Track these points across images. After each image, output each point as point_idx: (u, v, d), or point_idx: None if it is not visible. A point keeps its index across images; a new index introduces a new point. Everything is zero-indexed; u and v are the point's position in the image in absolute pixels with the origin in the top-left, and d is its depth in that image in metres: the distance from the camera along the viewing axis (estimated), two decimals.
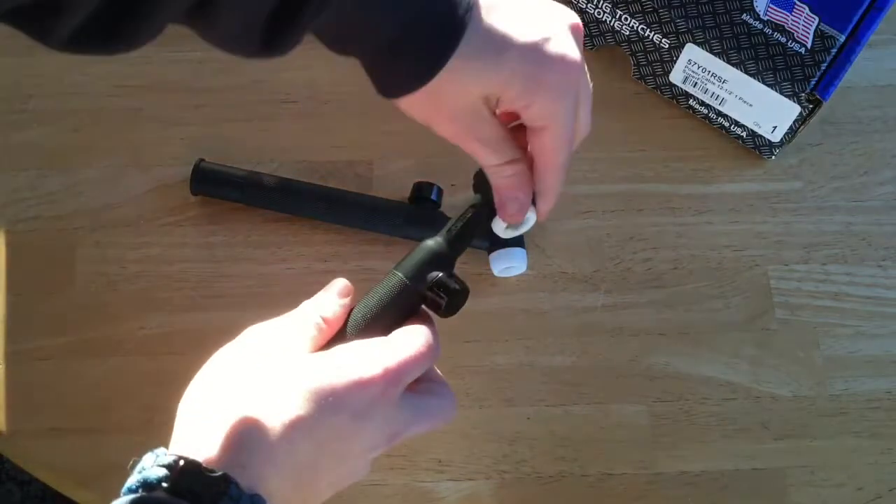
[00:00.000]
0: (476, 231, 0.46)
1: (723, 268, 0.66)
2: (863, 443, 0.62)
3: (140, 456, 0.36)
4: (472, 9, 0.39)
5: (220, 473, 0.34)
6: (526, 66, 0.40)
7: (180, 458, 0.34)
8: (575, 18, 0.43)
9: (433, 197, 0.65)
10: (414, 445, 0.61)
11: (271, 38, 0.38)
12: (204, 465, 0.34)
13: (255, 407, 0.36)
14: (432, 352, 0.41)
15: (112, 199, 0.67)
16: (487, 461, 0.61)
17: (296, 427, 0.36)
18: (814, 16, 0.63)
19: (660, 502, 0.60)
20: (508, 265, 0.64)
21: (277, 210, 0.66)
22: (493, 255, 0.64)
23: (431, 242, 0.44)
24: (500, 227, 0.64)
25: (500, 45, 0.40)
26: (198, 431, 0.36)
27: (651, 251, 0.67)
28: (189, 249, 0.66)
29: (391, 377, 0.38)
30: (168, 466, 0.34)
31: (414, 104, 0.42)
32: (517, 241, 0.64)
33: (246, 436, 0.35)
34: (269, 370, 0.38)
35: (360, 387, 0.37)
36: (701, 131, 0.70)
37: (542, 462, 0.61)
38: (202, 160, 0.67)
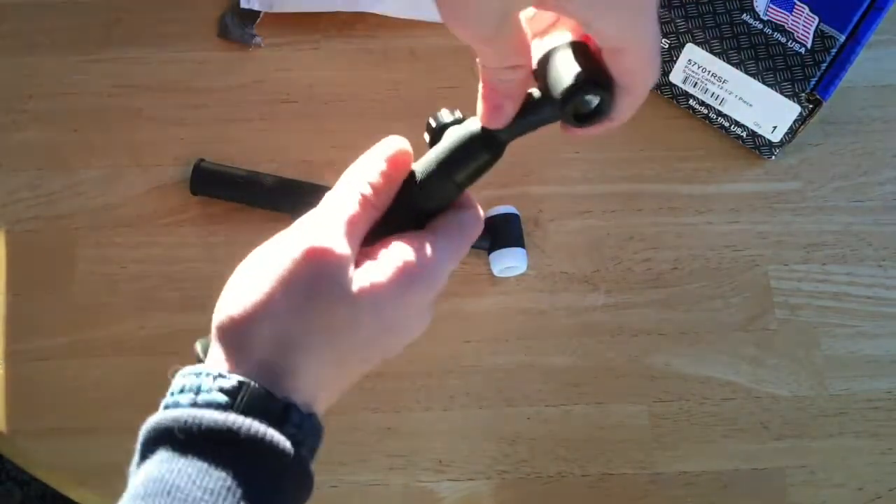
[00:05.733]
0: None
1: (723, 268, 0.66)
2: (863, 443, 0.62)
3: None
4: None
5: (281, 400, 0.33)
6: None
7: (242, 382, 0.33)
8: None
9: None
10: (414, 445, 0.61)
11: None
12: (264, 388, 0.33)
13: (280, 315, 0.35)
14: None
15: (112, 199, 0.67)
16: (487, 461, 0.61)
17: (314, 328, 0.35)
18: (814, 16, 0.63)
19: (660, 502, 0.60)
20: (508, 265, 0.64)
21: (277, 210, 0.66)
22: (493, 255, 0.64)
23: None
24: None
25: None
26: (229, 347, 0.35)
27: (651, 251, 0.67)
28: (189, 249, 0.66)
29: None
30: (229, 392, 0.33)
31: None
32: (517, 242, 0.64)
33: (281, 348, 0.34)
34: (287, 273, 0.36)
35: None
36: (701, 131, 0.70)
37: (542, 462, 0.61)
38: (202, 160, 0.67)
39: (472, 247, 0.65)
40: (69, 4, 0.73)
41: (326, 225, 0.36)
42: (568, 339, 0.64)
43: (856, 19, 0.63)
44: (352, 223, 0.37)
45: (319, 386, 0.35)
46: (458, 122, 0.40)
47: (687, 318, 0.65)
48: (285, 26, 0.72)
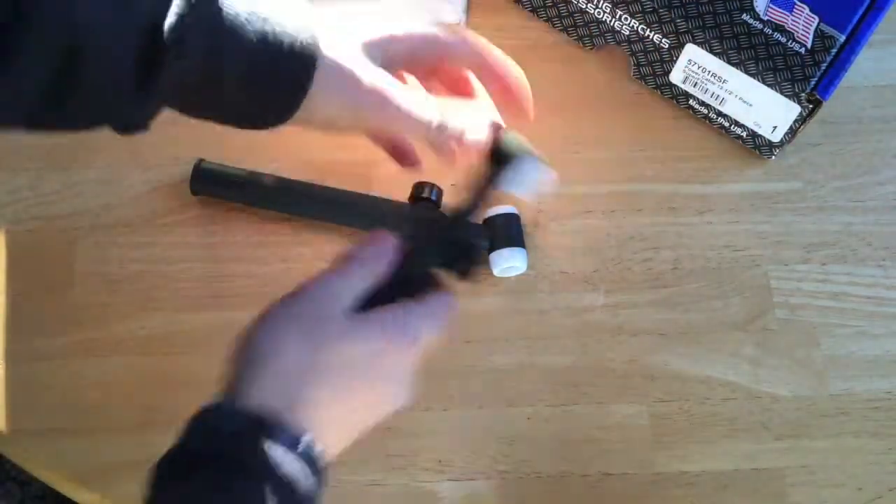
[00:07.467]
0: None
1: (723, 268, 0.66)
2: (863, 443, 0.62)
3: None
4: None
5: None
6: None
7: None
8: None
9: (432, 197, 0.65)
10: (414, 445, 0.61)
11: (140, 87, 0.37)
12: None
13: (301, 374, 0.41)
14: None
15: (112, 199, 0.67)
16: (487, 461, 0.61)
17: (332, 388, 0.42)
18: (814, 16, 0.63)
19: (660, 502, 0.60)
20: (508, 265, 0.64)
21: (277, 210, 0.66)
22: (493, 255, 0.64)
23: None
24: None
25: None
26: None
27: (651, 251, 0.67)
28: (189, 249, 0.66)
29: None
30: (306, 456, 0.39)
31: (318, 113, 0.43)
32: (517, 241, 0.64)
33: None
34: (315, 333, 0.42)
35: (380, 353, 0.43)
36: (701, 131, 0.70)
37: (542, 462, 0.61)
38: (202, 160, 0.67)
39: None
40: None
41: (320, 292, 0.44)
42: (568, 339, 0.64)
43: (856, 19, 0.63)
44: (343, 285, 0.44)
45: (324, 424, 0.41)
46: None
47: (687, 318, 0.65)
48: None
